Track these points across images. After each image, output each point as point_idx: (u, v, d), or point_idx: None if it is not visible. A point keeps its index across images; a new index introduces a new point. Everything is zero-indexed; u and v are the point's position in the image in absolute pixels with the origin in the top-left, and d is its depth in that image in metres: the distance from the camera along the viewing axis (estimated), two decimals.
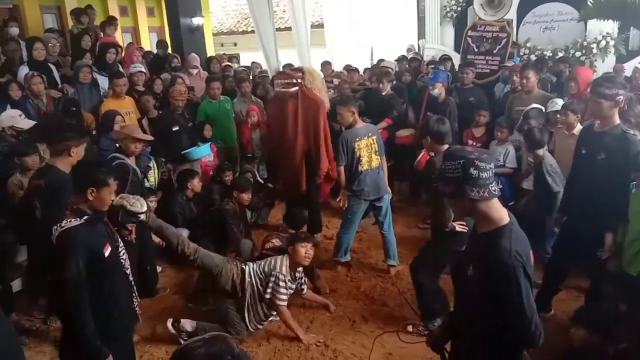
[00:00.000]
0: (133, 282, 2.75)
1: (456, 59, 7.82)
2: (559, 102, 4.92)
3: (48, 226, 2.48)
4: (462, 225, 3.44)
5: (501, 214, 1.92)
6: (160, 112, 5.96)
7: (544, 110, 5.00)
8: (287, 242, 3.99)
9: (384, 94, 6.27)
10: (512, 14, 7.64)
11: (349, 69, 8.26)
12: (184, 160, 5.60)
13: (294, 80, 4.96)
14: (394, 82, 6.83)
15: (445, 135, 3.59)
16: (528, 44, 7.64)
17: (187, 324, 3.73)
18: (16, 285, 4.28)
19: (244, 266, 3.86)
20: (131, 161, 4.09)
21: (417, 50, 9.64)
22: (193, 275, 4.58)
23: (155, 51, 8.72)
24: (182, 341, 3.51)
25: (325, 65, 8.53)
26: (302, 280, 4.05)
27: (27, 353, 3.67)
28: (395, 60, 8.65)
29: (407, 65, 8.08)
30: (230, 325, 3.70)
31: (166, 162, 5.62)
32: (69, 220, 2.37)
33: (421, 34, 9.84)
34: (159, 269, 4.86)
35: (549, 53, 7.43)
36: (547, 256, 4.04)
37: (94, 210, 2.48)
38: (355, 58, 10.35)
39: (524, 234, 1.94)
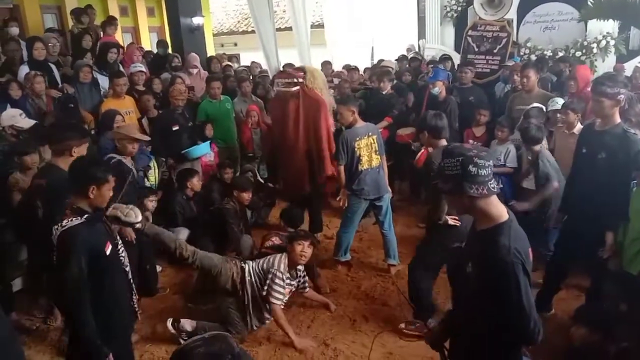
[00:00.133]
0: (132, 281, 2.75)
1: (456, 58, 7.83)
2: (559, 101, 4.93)
3: (49, 226, 2.48)
4: (455, 219, 3.46)
5: (500, 211, 1.92)
6: (160, 111, 5.96)
7: (544, 109, 5.00)
8: (286, 240, 3.99)
9: (384, 93, 6.27)
10: (512, 14, 7.64)
11: (348, 68, 8.26)
12: (185, 160, 5.60)
13: (296, 80, 4.96)
14: (395, 81, 6.83)
15: (442, 130, 3.60)
16: (528, 44, 7.64)
17: (187, 324, 3.73)
18: (16, 284, 4.28)
19: (243, 265, 3.86)
20: (128, 161, 4.08)
21: (417, 50, 9.64)
22: (193, 275, 4.57)
23: (155, 51, 8.73)
24: (182, 341, 3.50)
25: (326, 64, 8.53)
26: (304, 279, 4.04)
27: (27, 352, 3.67)
28: (396, 60, 8.66)
29: (407, 65, 8.08)
30: (230, 324, 3.69)
31: (166, 161, 5.63)
32: (69, 220, 2.37)
33: (421, 34, 9.84)
34: (158, 268, 4.86)
35: (549, 53, 7.43)
36: (550, 254, 4.04)
37: (94, 208, 2.48)
38: (356, 58, 10.35)
39: (523, 231, 1.94)
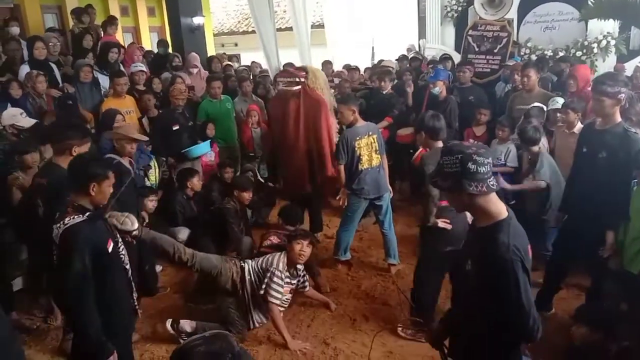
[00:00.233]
0: (132, 279, 2.75)
1: (457, 58, 7.81)
2: (559, 101, 4.93)
3: (50, 225, 2.48)
4: (445, 222, 3.45)
5: (499, 208, 1.92)
6: (160, 111, 5.96)
7: (545, 109, 5.00)
8: (285, 239, 3.99)
9: (384, 92, 6.27)
10: (512, 14, 7.63)
11: (349, 68, 8.26)
12: (185, 159, 5.60)
13: (297, 79, 4.96)
14: (395, 81, 6.83)
15: (439, 131, 3.59)
16: (529, 44, 7.63)
17: (187, 325, 3.73)
18: (17, 284, 4.28)
19: (243, 264, 3.86)
20: (126, 162, 4.08)
21: (417, 50, 9.64)
22: (193, 274, 4.56)
23: (156, 51, 8.73)
24: (182, 341, 3.50)
25: (326, 64, 8.53)
26: (304, 278, 4.04)
27: (27, 352, 3.67)
28: (396, 60, 8.65)
29: (407, 65, 8.08)
30: (230, 324, 3.69)
31: (167, 160, 5.63)
32: (71, 218, 2.36)
33: (422, 34, 9.83)
34: (159, 268, 4.86)
35: (549, 53, 7.42)
36: (548, 254, 4.03)
37: (95, 206, 2.48)
38: (356, 58, 10.35)
39: (522, 229, 1.94)
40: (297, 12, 8.53)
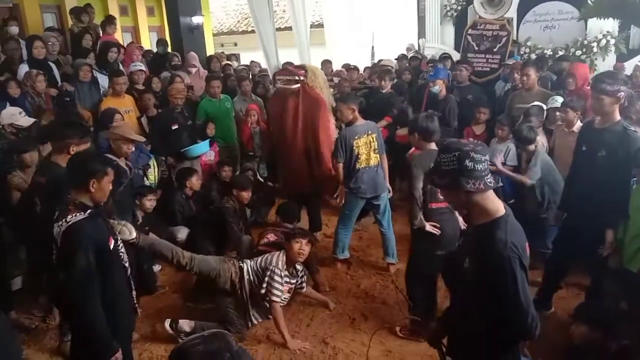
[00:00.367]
0: (131, 277, 2.75)
1: (456, 57, 7.82)
2: (559, 100, 4.92)
3: (48, 224, 2.48)
4: (435, 226, 3.45)
5: (497, 205, 1.92)
6: (159, 110, 5.96)
7: (544, 108, 5.00)
8: (285, 238, 3.98)
9: (384, 92, 6.27)
10: (512, 13, 7.64)
11: (348, 67, 8.25)
12: (185, 159, 5.60)
13: (297, 78, 4.96)
14: (395, 80, 6.83)
15: (433, 133, 3.54)
16: (528, 43, 7.64)
17: (185, 325, 3.72)
18: (16, 283, 4.27)
19: (242, 264, 3.85)
20: (122, 162, 4.07)
21: (417, 49, 9.64)
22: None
23: (155, 50, 8.72)
24: (180, 341, 3.49)
25: (326, 63, 8.52)
26: (302, 279, 4.03)
27: (26, 351, 3.68)
28: (395, 59, 8.65)
29: (407, 64, 8.07)
30: (229, 323, 3.68)
31: (166, 160, 5.62)
32: (73, 215, 2.36)
33: (421, 33, 9.83)
34: (158, 267, 4.86)
35: (549, 52, 7.42)
36: (548, 252, 4.03)
37: (95, 203, 2.48)
38: (355, 57, 10.35)
39: (519, 226, 1.94)
40: (296, 11, 8.53)
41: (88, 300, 2.34)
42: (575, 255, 3.71)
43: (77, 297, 2.34)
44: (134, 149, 4.42)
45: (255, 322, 3.84)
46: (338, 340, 3.74)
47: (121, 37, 10.26)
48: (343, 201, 4.70)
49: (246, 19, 16.75)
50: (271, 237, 4.39)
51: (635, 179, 3.41)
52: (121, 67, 6.64)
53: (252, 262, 3.86)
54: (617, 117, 3.25)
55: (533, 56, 7.34)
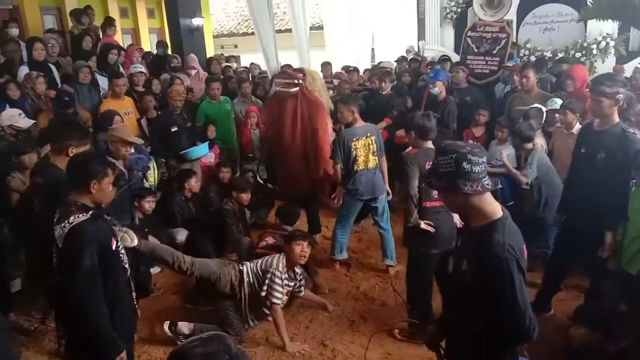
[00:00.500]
0: (130, 278, 2.75)
1: (456, 59, 7.82)
2: (558, 102, 4.92)
3: (47, 225, 2.47)
4: (429, 224, 3.45)
5: (494, 208, 1.92)
6: (159, 112, 5.96)
7: (544, 110, 5.00)
8: (284, 241, 3.98)
9: (384, 93, 6.27)
10: (512, 15, 7.63)
11: (347, 69, 8.25)
12: (184, 161, 5.60)
13: (295, 81, 4.96)
14: (395, 82, 6.83)
15: (429, 131, 3.56)
16: (528, 45, 7.63)
17: (185, 327, 3.72)
18: (15, 285, 4.27)
19: (241, 267, 3.85)
20: (120, 164, 4.06)
21: (417, 51, 9.64)
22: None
23: (155, 52, 8.73)
24: (179, 343, 3.48)
25: (326, 65, 8.54)
26: (301, 282, 4.03)
27: (25, 353, 3.68)
28: (395, 61, 8.65)
29: (407, 66, 8.07)
30: (229, 325, 3.68)
31: (166, 162, 5.62)
32: (76, 216, 2.36)
33: (421, 35, 9.82)
34: (157, 269, 4.85)
35: (549, 54, 7.42)
36: (548, 251, 4.03)
37: (96, 204, 2.48)
38: (355, 60, 10.35)
39: (517, 228, 1.94)
40: (296, 13, 8.53)
41: (93, 301, 2.34)
42: (575, 257, 3.71)
43: (82, 298, 2.34)
44: (132, 150, 4.43)
45: (252, 324, 3.83)
46: (337, 343, 3.73)
47: (121, 39, 10.27)
48: (341, 202, 4.70)
49: (246, 20, 16.77)
50: (269, 239, 4.39)
51: (634, 181, 3.41)
52: (121, 69, 6.65)
53: (252, 265, 3.86)
54: (616, 119, 3.25)
55: (533, 58, 7.34)
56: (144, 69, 6.78)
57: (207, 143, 5.82)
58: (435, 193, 3.23)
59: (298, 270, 3.95)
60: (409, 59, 8.61)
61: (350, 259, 4.95)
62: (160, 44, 8.70)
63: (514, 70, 6.10)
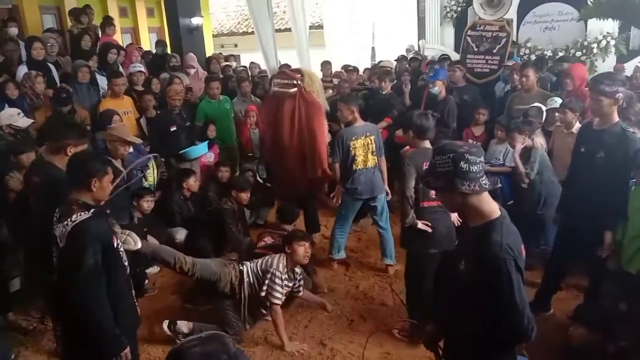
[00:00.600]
0: (130, 278, 2.74)
1: (456, 59, 7.81)
2: (558, 101, 4.91)
3: (44, 224, 2.47)
4: (426, 224, 3.44)
5: (492, 207, 1.92)
6: (158, 112, 5.95)
7: (544, 109, 4.99)
8: (283, 241, 3.97)
9: (384, 93, 6.26)
10: (512, 14, 7.63)
11: (347, 69, 8.24)
12: (184, 160, 5.59)
13: (294, 82, 4.95)
14: (395, 81, 6.82)
15: (427, 131, 3.54)
16: (528, 44, 7.63)
17: (184, 326, 3.71)
18: (14, 284, 4.26)
19: (241, 267, 3.84)
20: (118, 163, 4.05)
21: (417, 50, 9.63)
22: None
23: (154, 51, 8.72)
24: (178, 342, 3.48)
25: (325, 64, 8.53)
26: (300, 282, 4.02)
27: (24, 352, 3.69)
28: (395, 61, 8.64)
29: (407, 65, 8.06)
30: (228, 325, 3.67)
31: (165, 161, 5.61)
32: (78, 214, 2.37)
33: (421, 35, 9.82)
34: (156, 269, 4.85)
35: (549, 53, 7.42)
36: (548, 249, 4.03)
37: (96, 202, 2.49)
38: (355, 59, 10.34)
39: (515, 228, 1.93)
40: (295, 12, 8.53)
41: (96, 299, 2.35)
42: (574, 257, 3.70)
43: (85, 296, 2.34)
44: (131, 150, 4.42)
45: (247, 326, 3.82)
46: (336, 342, 3.73)
47: (121, 38, 10.26)
48: (340, 201, 4.69)
49: (246, 20, 16.76)
50: (268, 239, 4.39)
51: (634, 180, 3.40)
52: (120, 69, 6.64)
53: (252, 265, 3.85)
54: (616, 118, 3.24)
55: (533, 57, 7.34)
56: (143, 68, 6.77)
57: (206, 142, 5.82)
58: (432, 193, 3.23)
59: (298, 270, 3.94)
60: (409, 58, 8.60)
61: (349, 259, 4.94)
62: (160, 43, 8.70)
63: (514, 69, 6.09)
